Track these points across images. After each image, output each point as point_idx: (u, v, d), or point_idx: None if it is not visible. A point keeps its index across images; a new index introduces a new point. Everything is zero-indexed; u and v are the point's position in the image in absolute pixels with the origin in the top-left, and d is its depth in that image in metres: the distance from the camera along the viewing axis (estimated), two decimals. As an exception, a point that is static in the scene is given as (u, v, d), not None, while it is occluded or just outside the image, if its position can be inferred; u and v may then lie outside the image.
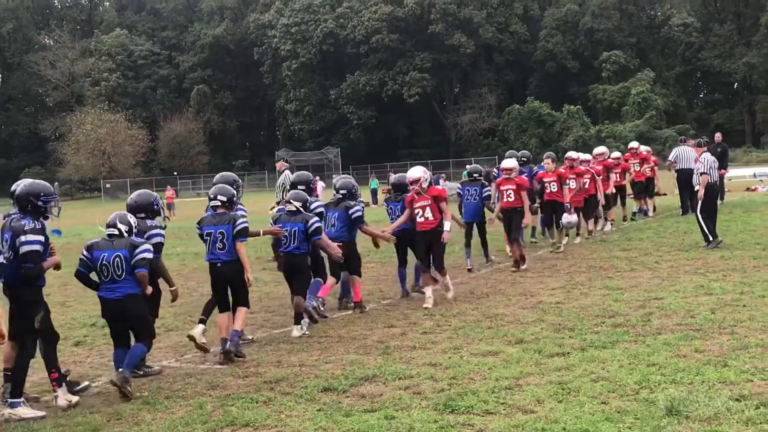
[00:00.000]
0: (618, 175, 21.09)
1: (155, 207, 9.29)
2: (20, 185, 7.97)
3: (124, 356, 8.24)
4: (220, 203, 9.55)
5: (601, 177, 19.21)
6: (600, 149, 21.36)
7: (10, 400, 7.48)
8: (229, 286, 9.59)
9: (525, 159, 18.01)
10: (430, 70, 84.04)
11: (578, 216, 17.79)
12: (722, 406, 6.41)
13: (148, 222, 9.10)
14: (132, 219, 8.52)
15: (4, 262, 7.35)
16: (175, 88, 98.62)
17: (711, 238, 15.71)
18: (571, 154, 18.75)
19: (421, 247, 12.19)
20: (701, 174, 16.05)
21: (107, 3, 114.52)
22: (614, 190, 20.83)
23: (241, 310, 9.60)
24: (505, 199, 14.80)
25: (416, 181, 11.97)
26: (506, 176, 14.78)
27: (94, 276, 8.41)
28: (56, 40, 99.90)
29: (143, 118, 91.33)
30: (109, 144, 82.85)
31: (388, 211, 13.48)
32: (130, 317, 8.33)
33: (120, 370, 8.06)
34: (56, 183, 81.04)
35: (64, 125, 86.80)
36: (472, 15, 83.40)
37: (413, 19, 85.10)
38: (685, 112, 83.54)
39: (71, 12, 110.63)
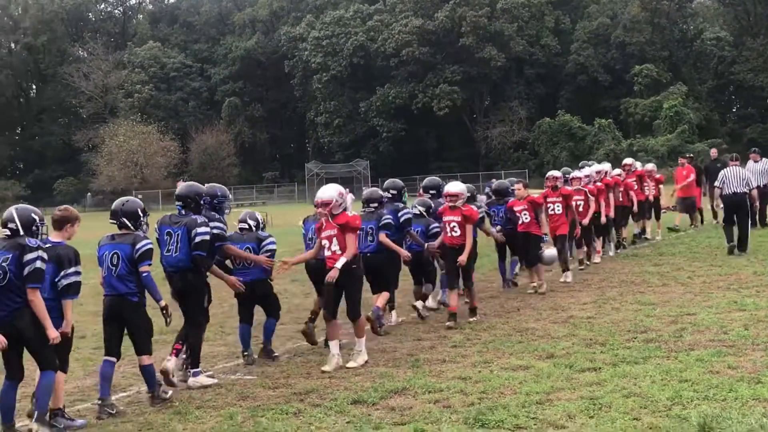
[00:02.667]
0: (621, 195, 18.61)
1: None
2: (182, 186, 9.47)
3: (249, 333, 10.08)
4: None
5: (595, 197, 16.67)
6: (600, 166, 18.69)
7: (192, 370, 9.00)
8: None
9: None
10: (460, 82, 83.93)
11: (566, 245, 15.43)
12: (755, 423, 6.36)
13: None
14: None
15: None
16: (206, 100, 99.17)
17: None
18: (554, 172, 15.88)
19: (450, 263, 11.73)
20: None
21: (141, 16, 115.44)
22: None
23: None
24: (449, 234, 11.74)
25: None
26: (450, 204, 11.70)
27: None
28: (90, 52, 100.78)
29: (175, 129, 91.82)
30: (142, 155, 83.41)
31: (490, 213, 14.53)
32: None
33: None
34: (89, 194, 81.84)
35: (97, 136, 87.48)
36: (503, 28, 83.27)
37: (444, 32, 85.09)
38: (717, 127, 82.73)
39: (105, 24, 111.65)
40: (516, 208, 14.20)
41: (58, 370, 7.51)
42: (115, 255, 8.19)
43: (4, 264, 7.16)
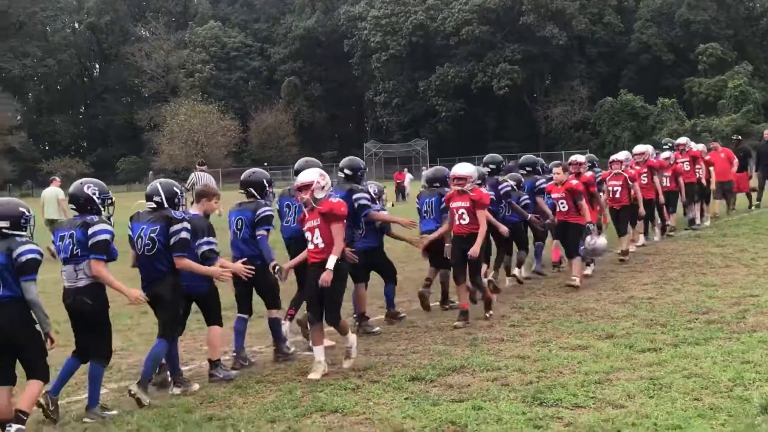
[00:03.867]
0: (668, 180, 17.64)
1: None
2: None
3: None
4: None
5: (635, 181, 15.61)
6: (641, 148, 17.43)
7: None
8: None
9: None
10: (521, 62, 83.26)
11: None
12: (820, 405, 6.25)
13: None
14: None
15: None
16: (266, 79, 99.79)
17: None
18: (578, 157, 14.29)
19: (457, 254, 10.56)
20: None
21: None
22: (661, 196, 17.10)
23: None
24: (457, 222, 10.65)
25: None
26: (458, 188, 10.57)
27: None
28: (152, 32, 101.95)
29: (235, 109, 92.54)
30: (202, 134, 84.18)
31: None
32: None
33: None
34: (151, 172, 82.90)
35: (158, 115, 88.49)
36: (565, 6, 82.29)
37: (504, 11, 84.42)
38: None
39: (167, 4, 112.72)
40: (554, 195, 13.03)
41: (217, 325, 8.56)
42: (240, 220, 9.00)
43: (152, 235, 7.81)
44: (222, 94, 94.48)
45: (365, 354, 9.09)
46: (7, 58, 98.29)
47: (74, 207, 7.52)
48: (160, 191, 8.06)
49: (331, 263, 8.12)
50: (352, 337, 8.58)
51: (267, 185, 9.29)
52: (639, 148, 17.32)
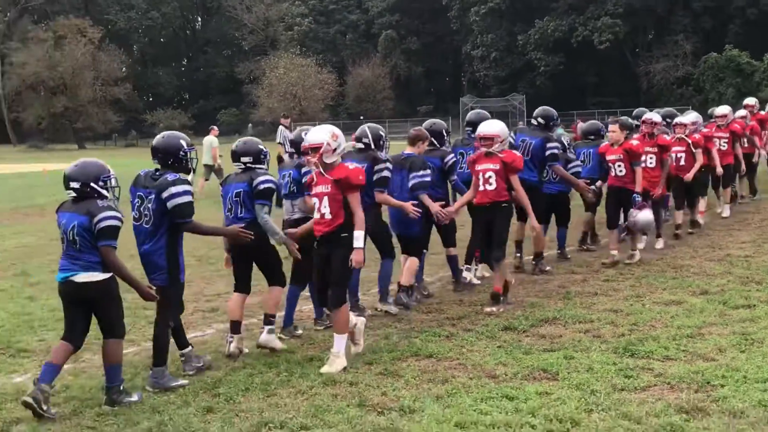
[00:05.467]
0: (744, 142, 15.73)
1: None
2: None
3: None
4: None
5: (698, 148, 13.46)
6: (722, 109, 15.72)
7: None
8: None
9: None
10: (623, 15, 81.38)
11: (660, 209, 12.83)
12: None
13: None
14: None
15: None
16: (363, 33, 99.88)
17: None
18: (652, 116, 12.67)
19: (477, 227, 9.47)
20: None
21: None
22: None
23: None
24: (482, 188, 9.23)
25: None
26: (486, 149, 9.21)
27: None
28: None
29: (332, 62, 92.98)
30: (300, 88, 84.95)
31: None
32: None
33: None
34: (250, 125, 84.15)
35: (258, 69, 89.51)
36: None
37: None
38: None
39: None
40: (609, 157, 11.39)
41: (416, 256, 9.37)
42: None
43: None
44: (320, 47, 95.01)
45: (459, 304, 9.32)
46: (113, 11, 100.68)
47: (294, 151, 8.69)
48: (368, 133, 8.98)
49: (359, 241, 7.18)
50: (344, 340, 7.25)
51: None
52: (721, 110, 15.63)
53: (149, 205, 6.93)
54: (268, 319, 7.83)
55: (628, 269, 10.78)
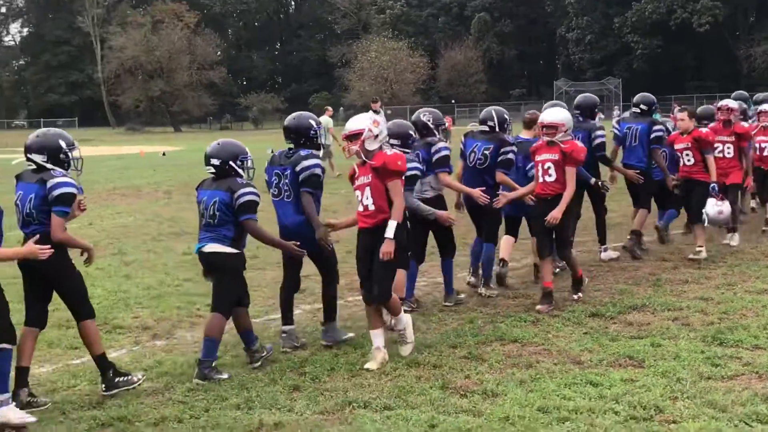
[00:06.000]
0: None
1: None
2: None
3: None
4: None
5: None
6: None
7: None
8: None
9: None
10: (723, -3, 79.48)
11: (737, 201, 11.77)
12: None
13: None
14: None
15: None
16: (456, 16, 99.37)
17: None
18: (729, 102, 11.86)
19: (537, 220, 8.83)
20: None
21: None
22: None
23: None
24: (542, 179, 8.74)
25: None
26: (547, 138, 8.65)
27: None
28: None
29: (424, 46, 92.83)
30: (392, 71, 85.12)
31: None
32: None
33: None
34: (341, 108, 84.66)
35: (350, 52, 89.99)
36: (774, -63, 77.66)
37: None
38: None
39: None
40: (677, 146, 10.76)
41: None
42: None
43: (486, 152, 9.07)
44: (412, 30, 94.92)
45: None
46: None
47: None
48: (494, 116, 9.21)
49: (390, 231, 6.75)
50: (406, 318, 7.21)
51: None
52: None
53: (286, 180, 7.41)
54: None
55: (720, 257, 10.56)
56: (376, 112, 22.25)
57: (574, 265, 8.83)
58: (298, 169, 7.32)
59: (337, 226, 7.45)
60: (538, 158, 8.68)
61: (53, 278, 6.24)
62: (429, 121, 8.79)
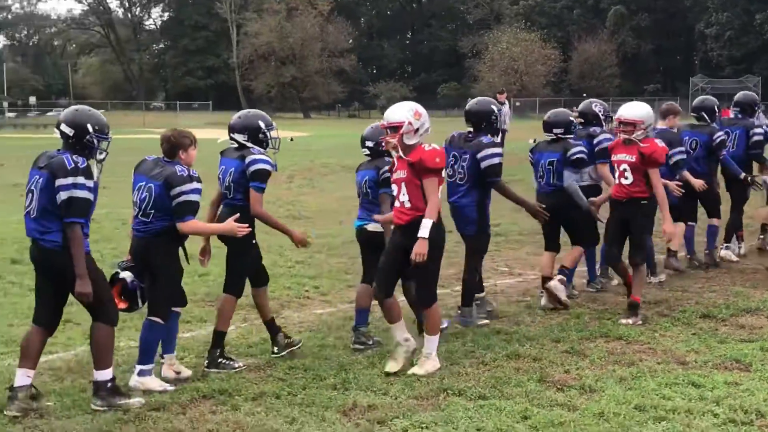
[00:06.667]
0: None
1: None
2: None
3: None
4: None
5: None
6: None
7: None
8: None
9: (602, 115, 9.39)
10: None
11: None
12: None
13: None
14: None
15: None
16: (591, 8, 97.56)
17: None
18: None
19: (613, 225, 8.10)
20: None
21: None
22: None
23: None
24: (617, 180, 8.12)
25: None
26: (624, 136, 7.97)
27: None
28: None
29: (557, 38, 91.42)
30: (522, 63, 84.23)
31: None
32: None
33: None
34: (469, 99, 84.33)
35: (481, 43, 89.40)
36: None
37: None
38: None
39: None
40: None
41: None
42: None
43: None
44: (545, 22, 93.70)
45: (658, 288, 9.09)
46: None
47: (582, 121, 8.96)
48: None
49: (425, 230, 6.29)
50: (436, 340, 6.58)
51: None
52: None
53: (463, 164, 7.68)
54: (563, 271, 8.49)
55: None
56: (501, 103, 22.08)
57: (641, 278, 8.00)
58: (479, 156, 7.56)
59: (380, 221, 7.00)
60: (614, 158, 8.07)
61: (233, 252, 6.56)
62: (600, 111, 9.04)
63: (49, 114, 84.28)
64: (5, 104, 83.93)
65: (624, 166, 7.90)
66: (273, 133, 6.83)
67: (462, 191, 7.69)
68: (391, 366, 6.42)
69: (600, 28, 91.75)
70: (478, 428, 5.24)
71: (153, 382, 6.10)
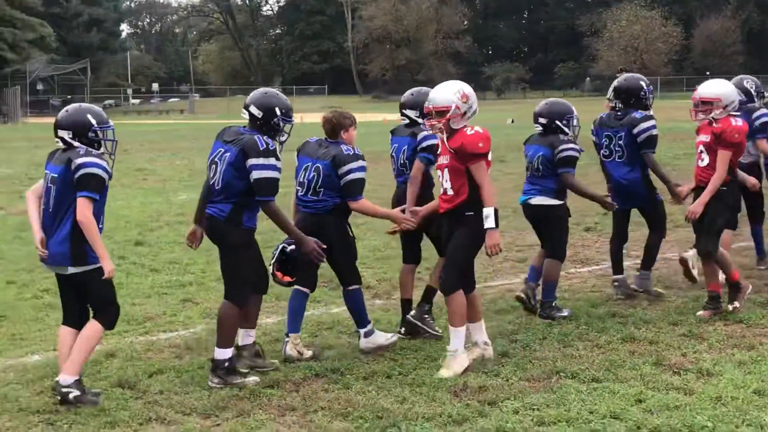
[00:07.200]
0: None
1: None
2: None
3: None
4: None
5: None
6: None
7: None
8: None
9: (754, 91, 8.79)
10: None
11: None
12: None
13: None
14: None
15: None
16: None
17: None
18: None
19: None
20: None
21: None
22: None
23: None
24: (697, 162, 7.56)
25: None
26: (702, 115, 7.39)
27: None
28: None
29: (678, 15, 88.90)
30: (642, 41, 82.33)
31: None
32: None
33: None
34: (588, 78, 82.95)
35: (599, 21, 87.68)
36: None
37: None
38: None
39: None
40: None
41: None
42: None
43: None
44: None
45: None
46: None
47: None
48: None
49: (491, 220, 5.93)
50: (461, 332, 6.11)
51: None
52: None
53: (620, 142, 7.78)
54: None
55: None
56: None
57: (726, 264, 7.47)
58: (635, 131, 7.68)
59: (419, 213, 6.53)
60: (697, 139, 7.51)
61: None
62: (752, 88, 8.73)
63: (170, 101, 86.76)
64: (129, 91, 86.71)
65: (701, 147, 7.43)
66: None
67: (627, 168, 7.80)
68: (445, 372, 5.94)
69: (723, 4, 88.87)
70: (591, 411, 5.17)
71: (380, 338, 6.50)
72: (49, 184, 5.58)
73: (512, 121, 7.92)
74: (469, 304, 6.19)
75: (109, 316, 5.67)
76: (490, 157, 6.11)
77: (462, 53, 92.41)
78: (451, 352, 6.02)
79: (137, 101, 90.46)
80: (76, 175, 5.43)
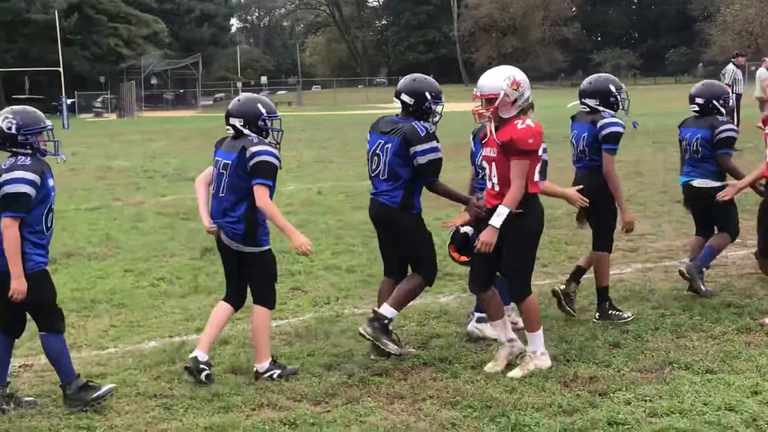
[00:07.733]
0: None
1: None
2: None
3: None
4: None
5: None
6: None
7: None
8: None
9: None
10: None
11: None
12: None
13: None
14: None
15: None
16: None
17: None
18: None
19: (763, 208, 6.98)
20: None
21: None
22: None
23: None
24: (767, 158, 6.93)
25: None
26: None
27: None
28: None
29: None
30: (757, 25, 79.72)
31: None
32: None
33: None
34: (700, 64, 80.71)
35: (712, 5, 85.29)
36: None
37: None
38: None
39: None
40: None
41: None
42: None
43: None
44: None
45: None
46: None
47: None
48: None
49: (498, 219, 5.57)
50: (540, 336, 5.90)
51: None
52: None
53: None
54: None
55: None
56: (738, 66, 21.00)
57: None
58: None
59: (455, 221, 6.33)
60: (767, 130, 7.06)
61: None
62: None
63: (278, 93, 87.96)
64: (239, 84, 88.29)
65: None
66: (622, 95, 7.01)
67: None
68: (490, 366, 5.87)
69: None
70: (705, 402, 5.06)
71: (488, 330, 6.45)
72: (221, 170, 5.81)
73: (634, 126, 7.31)
74: (488, 303, 5.98)
75: (270, 297, 5.91)
76: (541, 152, 5.79)
77: (570, 40, 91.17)
78: (530, 353, 5.84)
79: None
80: (251, 163, 5.66)
